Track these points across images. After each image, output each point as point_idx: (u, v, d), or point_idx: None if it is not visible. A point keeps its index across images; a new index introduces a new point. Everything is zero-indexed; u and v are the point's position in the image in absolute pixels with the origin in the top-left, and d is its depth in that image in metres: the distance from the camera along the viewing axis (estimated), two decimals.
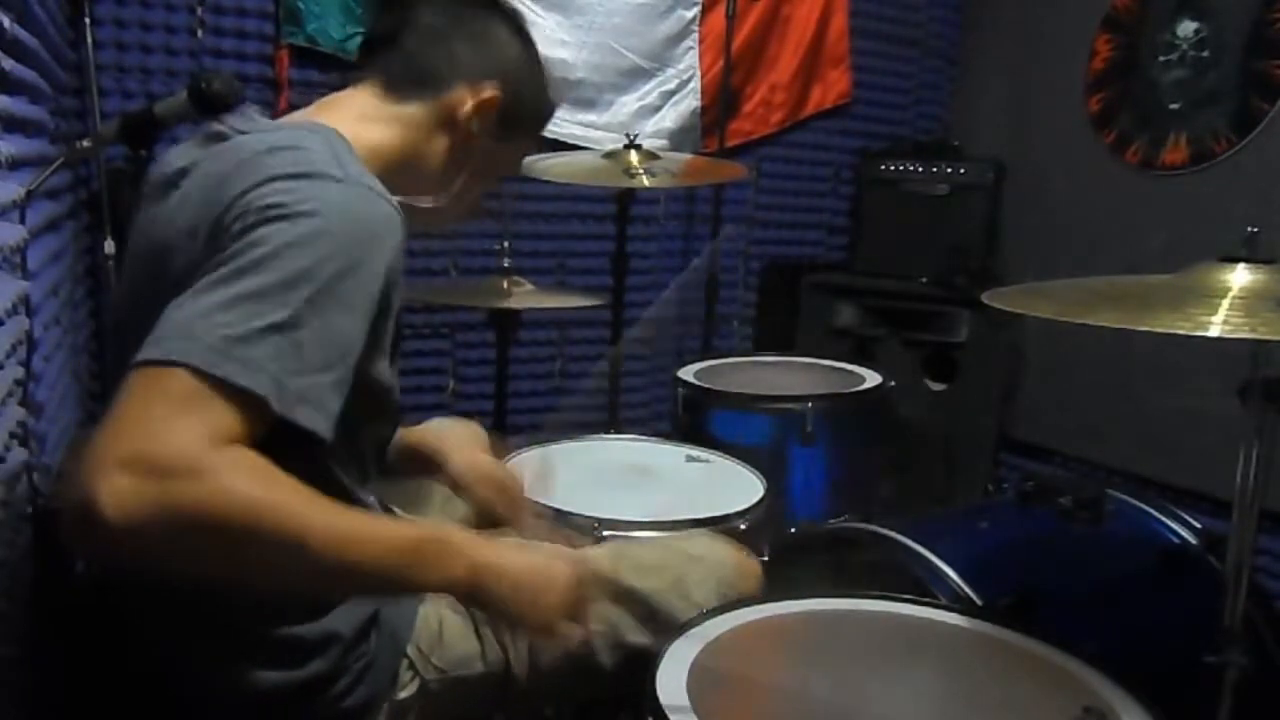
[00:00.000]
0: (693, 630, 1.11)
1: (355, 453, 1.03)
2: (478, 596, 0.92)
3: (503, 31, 1.17)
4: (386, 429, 1.10)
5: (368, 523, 0.87)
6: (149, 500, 0.71)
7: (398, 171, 1.08)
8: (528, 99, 1.18)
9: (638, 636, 1.17)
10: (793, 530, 1.62)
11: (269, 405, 0.79)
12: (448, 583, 0.90)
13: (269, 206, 0.85)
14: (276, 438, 0.80)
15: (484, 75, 1.13)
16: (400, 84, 1.12)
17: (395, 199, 0.96)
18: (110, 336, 1.13)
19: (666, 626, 1.16)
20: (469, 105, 1.12)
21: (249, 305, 0.80)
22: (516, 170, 1.30)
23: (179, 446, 0.74)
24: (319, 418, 0.83)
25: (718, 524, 1.45)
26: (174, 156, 1.02)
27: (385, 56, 1.14)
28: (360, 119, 1.09)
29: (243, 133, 0.99)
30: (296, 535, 0.78)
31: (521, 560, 0.94)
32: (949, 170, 3.07)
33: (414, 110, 1.12)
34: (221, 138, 1.00)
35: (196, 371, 0.76)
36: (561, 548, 1.00)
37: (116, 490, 0.71)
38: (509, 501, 1.41)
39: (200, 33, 2.37)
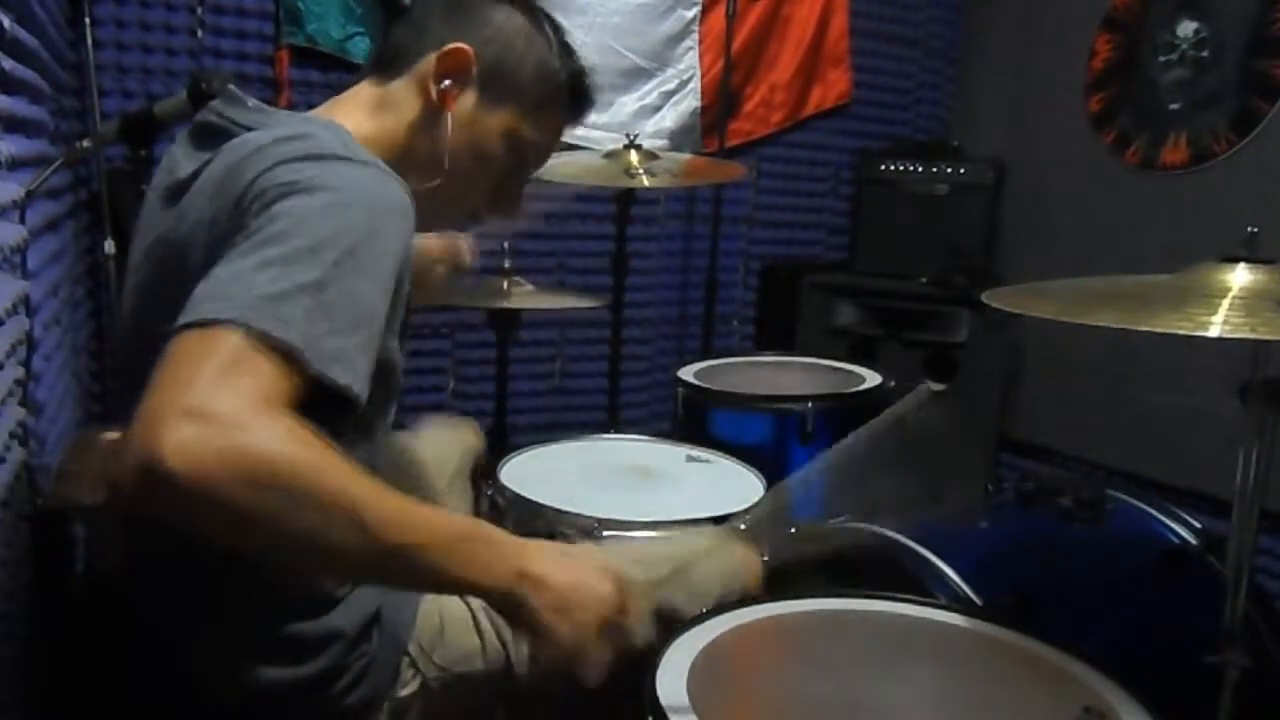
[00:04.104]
0: (693, 630, 1.11)
1: (369, 440, 1.03)
2: (514, 606, 0.88)
3: (488, 3, 1.15)
4: (392, 412, 1.10)
5: (420, 507, 0.85)
6: (215, 450, 0.70)
7: (394, 158, 1.09)
8: (519, 58, 1.14)
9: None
10: (793, 530, 1.61)
11: (306, 362, 0.78)
12: (489, 583, 0.86)
13: (285, 184, 0.87)
14: (308, 408, 0.79)
15: (453, 39, 1.11)
16: (385, 68, 1.14)
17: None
18: (119, 341, 1.12)
19: (671, 619, 1.16)
20: (433, 63, 1.11)
21: (277, 268, 0.81)
22: (536, 147, 1.19)
23: (236, 403, 0.73)
24: (353, 377, 0.82)
25: (717, 524, 1.46)
26: (178, 160, 1.02)
27: (379, 49, 1.17)
28: (359, 112, 1.11)
29: (240, 124, 1.00)
30: (353, 506, 0.77)
31: (566, 577, 0.90)
32: (949, 170, 3.07)
33: (395, 88, 1.13)
34: (218, 131, 1.00)
35: (239, 328, 0.76)
36: (604, 562, 0.95)
37: (182, 440, 0.70)
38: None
39: (200, 33, 2.37)
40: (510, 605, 0.88)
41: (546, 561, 0.90)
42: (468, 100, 1.12)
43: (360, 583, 1.05)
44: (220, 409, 0.72)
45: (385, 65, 1.14)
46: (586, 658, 0.91)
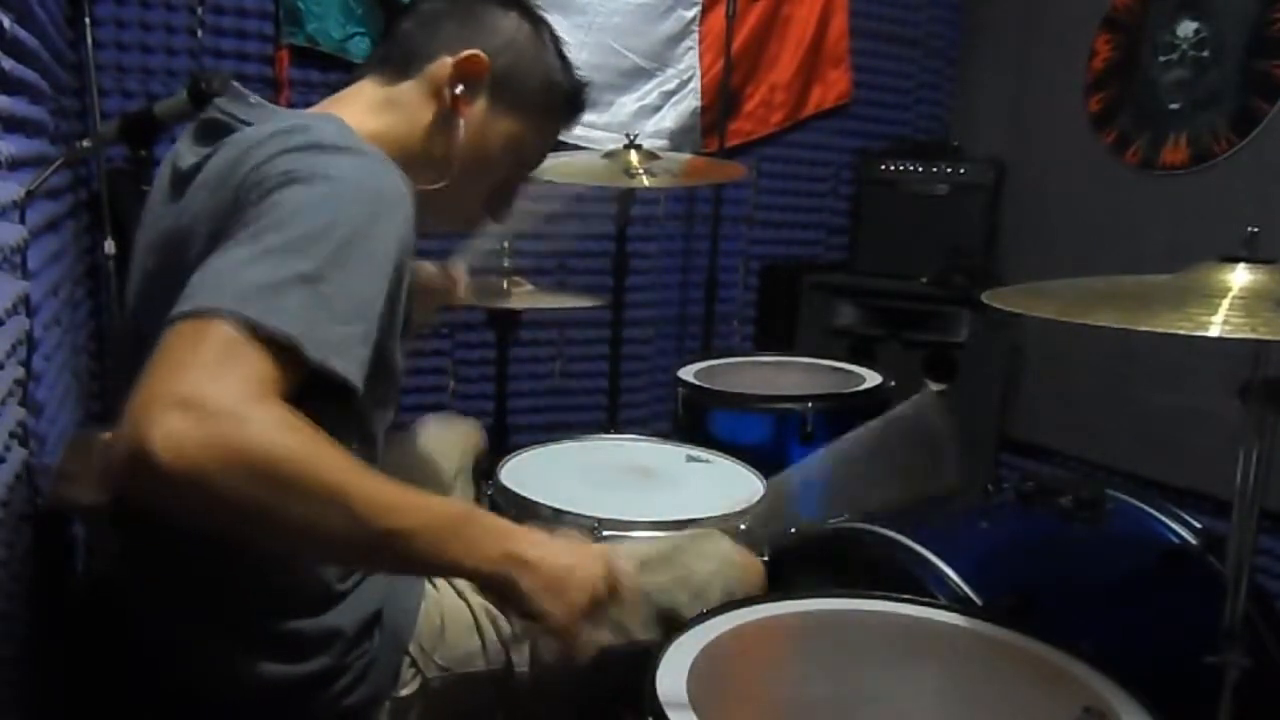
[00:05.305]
0: (693, 630, 1.11)
1: (366, 437, 1.03)
2: (504, 586, 0.89)
3: (498, 10, 1.17)
4: (392, 411, 1.10)
5: (409, 492, 0.86)
6: (202, 440, 0.71)
7: (399, 158, 1.10)
8: (529, 68, 1.16)
9: (644, 634, 1.17)
10: (793, 530, 1.61)
11: (302, 352, 0.78)
12: (479, 565, 0.88)
13: (284, 173, 0.87)
14: (303, 401, 0.80)
15: (468, 44, 1.12)
16: (392, 67, 1.14)
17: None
18: (119, 340, 1.12)
19: (673, 622, 1.16)
20: (448, 67, 1.12)
21: (274, 258, 0.81)
22: (536, 154, 1.24)
23: (227, 393, 0.73)
24: (351, 367, 0.83)
25: (718, 524, 1.45)
26: (181, 154, 1.03)
27: (383, 47, 1.17)
28: (363, 109, 1.12)
29: (245, 121, 1.00)
30: (341, 493, 0.77)
31: (555, 558, 0.92)
32: (949, 170, 3.07)
33: (404, 89, 1.13)
34: (220, 126, 1.00)
35: (232, 319, 0.76)
36: (594, 547, 0.97)
37: (170, 431, 0.70)
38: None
39: (200, 33, 2.37)
40: (501, 586, 0.90)
41: (536, 544, 0.92)
42: (478, 106, 1.14)
43: (355, 568, 1.05)
44: (210, 398, 0.72)
45: (392, 65, 1.15)
46: (577, 638, 0.93)
